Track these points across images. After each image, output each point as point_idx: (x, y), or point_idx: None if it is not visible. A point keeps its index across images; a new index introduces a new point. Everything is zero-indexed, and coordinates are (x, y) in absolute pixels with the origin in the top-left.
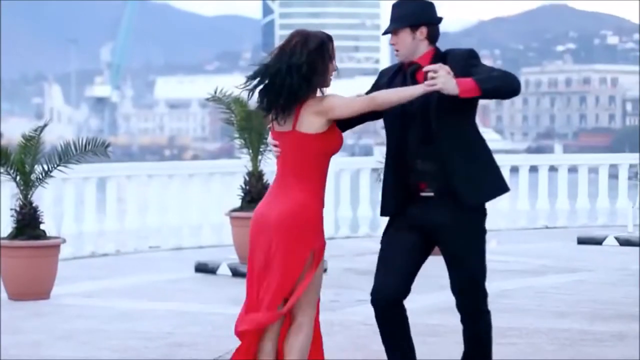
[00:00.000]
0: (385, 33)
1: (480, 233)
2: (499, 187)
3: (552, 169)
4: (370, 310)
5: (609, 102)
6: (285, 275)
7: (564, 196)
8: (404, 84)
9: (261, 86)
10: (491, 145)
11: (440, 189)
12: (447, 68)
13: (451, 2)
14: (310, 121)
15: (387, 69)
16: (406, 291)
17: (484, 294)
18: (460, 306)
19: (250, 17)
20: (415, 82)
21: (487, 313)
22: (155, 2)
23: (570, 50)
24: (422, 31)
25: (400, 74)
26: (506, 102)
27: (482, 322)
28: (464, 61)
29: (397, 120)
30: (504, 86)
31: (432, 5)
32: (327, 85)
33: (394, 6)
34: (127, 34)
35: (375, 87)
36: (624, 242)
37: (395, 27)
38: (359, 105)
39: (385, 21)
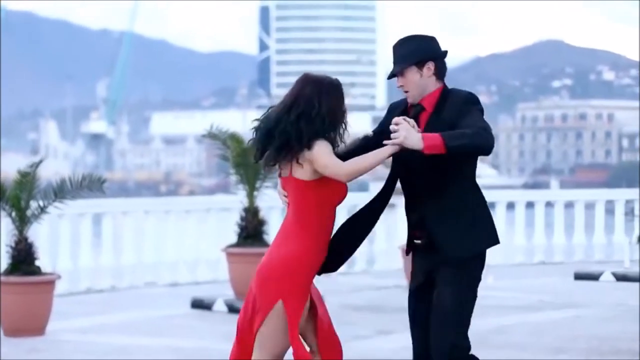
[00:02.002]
0: (391, 76)
1: (465, 286)
2: (485, 241)
3: (549, 204)
4: (367, 346)
5: (606, 138)
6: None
7: (560, 232)
8: None
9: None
10: (487, 181)
11: (426, 239)
12: (411, 122)
13: (447, 38)
14: (302, 168)
15: (397, 103)
16: None
17: (448, 349)
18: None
19: (247, 54)
20: (417, 125)
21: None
22: (152, 38)
23: (566, 86)
24: (430, 67)
25: (406, 112)
26: (502, 138)
27: None
28: (460, 106)
29: (399, 169)
30: (472, 145)
31: (435, 39)
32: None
33: (396, 46)
34: (123, 69)
35: (383, 124)
36: (621, 278)
37: (402, 67)
38: (330, 172)
39: (381, 57)
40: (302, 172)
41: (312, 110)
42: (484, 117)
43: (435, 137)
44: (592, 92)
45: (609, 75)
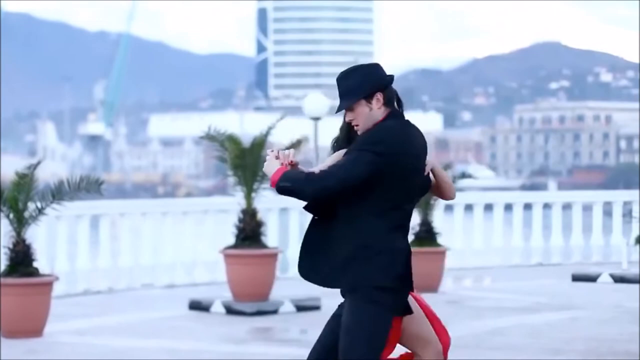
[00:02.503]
0: (338, 111)
1: (360, 320)
2: (352, 279)
3: (547, 206)
4: None
5: (603, 139)
6: None
7: (558, 233)
8: None
9: None
10: (485, 182)
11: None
12: (280, 153)
13: (445, 40)
14: None
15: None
16: None
17: None
18: None
19: (244, 55)
20: None
21: None
22: (149, 40)
23: (564, 88)
24: (378, 98)
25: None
26: (500, 140)
27: None
28: (355, 144)
29: None
30: (292, 189)
31: (379, 66)
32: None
33: (340, 79)
34: (121, 71)
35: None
36: (619, 279)
37: (350, 102)
38: None
39: (378, 59)
40: None
41: None
42: (367, 161)
43: (278, 173)
44: (590, 94)
45: (606, 76)
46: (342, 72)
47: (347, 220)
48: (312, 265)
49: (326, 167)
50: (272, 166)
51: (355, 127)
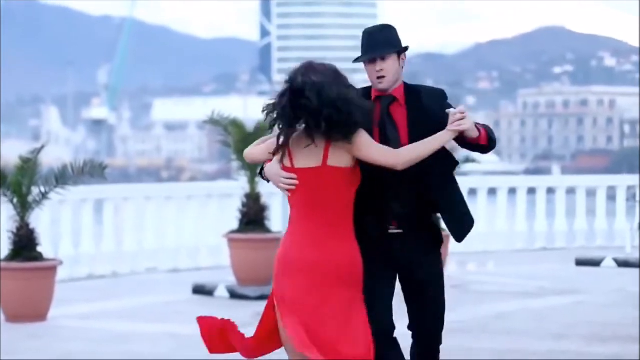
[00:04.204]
0: (366, 60)
1: (442, 270)
2: (471, 224)
3: (550, 190)
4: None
5: (607, 124)
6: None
7: (562, 218)
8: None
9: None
10: (489, 167)
11: (411, 227)
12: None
13: (448, 25)
14: (341, 155)
15: (361, 91)
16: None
17: (442, 329)
18: (419, 340)
19: (248, 40)
20: (389, 115)
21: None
22: (153, 25)
23: (567, 72)
24: (404, 58)
25: (371, 103)
26: (504, 124)
27: (437, 354)
28: (441, 101)
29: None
30: (494, 146)
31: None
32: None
33: (373, 32)
34: (124, 56)
35: None
36: (622, 264)
37: (386, 52)
38: (382, 158)
39: None
40: (342, 159)
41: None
42: None
43: (482, 130)
44: (594, 79)
45: (610, 61)
46: (375, 26)
47: (445, 180)
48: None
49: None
50: (473, 123)
51: (379, 80)
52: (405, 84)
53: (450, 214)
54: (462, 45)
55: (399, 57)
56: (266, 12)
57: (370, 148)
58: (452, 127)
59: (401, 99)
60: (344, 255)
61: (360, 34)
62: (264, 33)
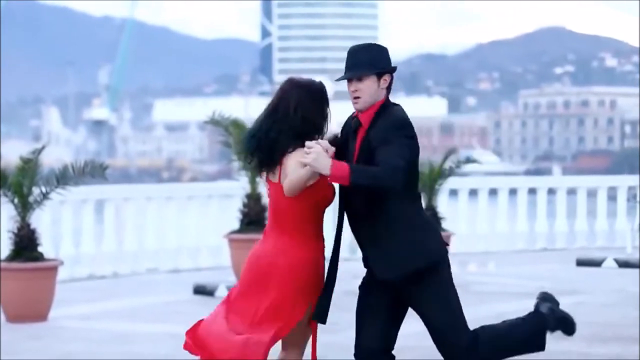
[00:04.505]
0: (348, 78)
1: (443, 294)
2: (419, 258)
3: (551, 191)
4: None
5: (608, 125)
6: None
7: (562, 218)
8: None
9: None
10: (489, 167)
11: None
12: (325, 145)
13: (449, 25)
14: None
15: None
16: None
17: (452, 324)
18: (433, 338)
19: (249, 40)
20: (354, 139)
21: (474, 350)
22: (154, 25)
23: (568, 73)
24: (386, 79)
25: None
26: (504, 125)
27: (462, 350)
28: (386, 131)
29: (341, 187)
30: (376, 186)
31: (388, 51)
32: (323, 133)
33: (355, 51)
34: (125, 56)
35: (343, 130)
36: (623, 264)
37: (362, 72)
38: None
39: (383, 43)
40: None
41: (289, 117)
42: (407, 145)
43: (344, 169)
44: (594, 79)
45: (611, 62)
46: (358, 45)
47: (388, 207)
48: (375, 263)
49: (384, 158)
50: (324, 160)
51: (355, 100)
52: (382, 104)
53: (376, 247)
54: (462, 45)
55: (379, 78)
56: (267, 13)
57: (290, 173)
58: (300, 159)
59: (366, 123)
60: (290, 259)
61: (360, 34)
62: (265, 33)
